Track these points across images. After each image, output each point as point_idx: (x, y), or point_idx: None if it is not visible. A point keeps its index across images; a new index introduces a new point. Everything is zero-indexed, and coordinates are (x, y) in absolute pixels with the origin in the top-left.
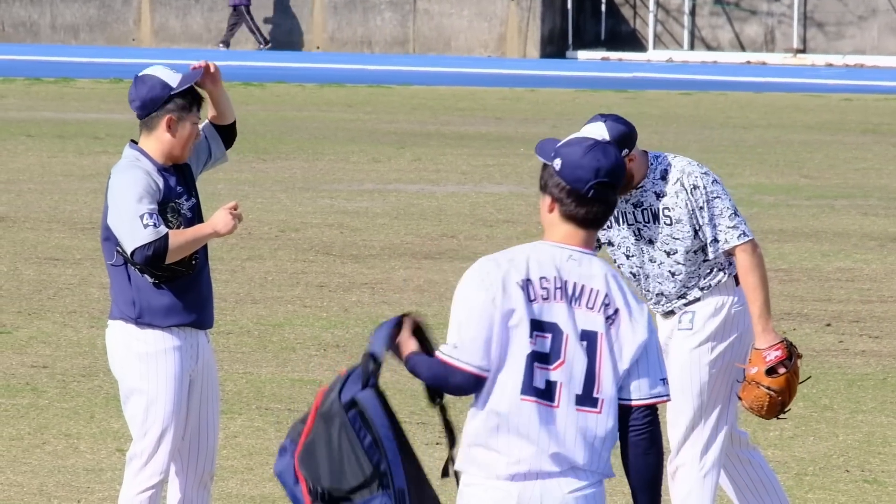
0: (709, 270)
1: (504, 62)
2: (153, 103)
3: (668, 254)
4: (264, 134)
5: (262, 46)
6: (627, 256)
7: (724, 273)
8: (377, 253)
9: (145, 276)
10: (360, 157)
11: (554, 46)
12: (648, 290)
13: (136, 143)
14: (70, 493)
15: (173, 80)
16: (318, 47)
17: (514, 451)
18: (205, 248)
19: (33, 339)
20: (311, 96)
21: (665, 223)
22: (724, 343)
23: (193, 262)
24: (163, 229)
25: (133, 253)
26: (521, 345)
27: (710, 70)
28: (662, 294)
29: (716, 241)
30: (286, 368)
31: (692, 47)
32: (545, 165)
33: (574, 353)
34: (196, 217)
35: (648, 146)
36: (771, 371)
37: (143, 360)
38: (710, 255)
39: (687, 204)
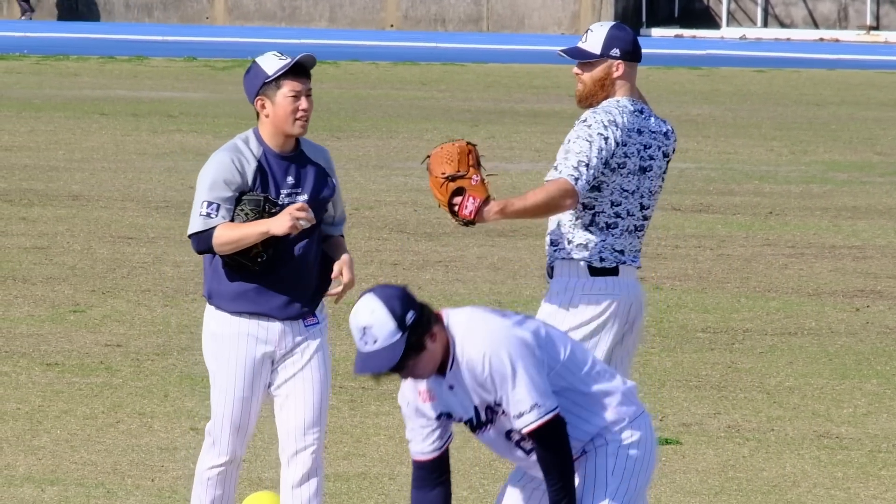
0: (569, 225)
1: (578, 40)
2: (252, 90)
3: (555, 167)
4: (338, 112)
5: (26, 16)
6: None
7: (577, 249)
8: (451, 231)
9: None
10: (433, 135)
11: (627, 24)
12: None
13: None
14: (144, 471)
15: (272, 66)
16: (391, 25)
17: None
18: (292, 241)
19: (107, 318)
20: (384, 74)
21: (562, 141)
22: (566, 323)
23: (259, 259)
24: (215, 221)
25: (190, 238)
26: None
27: (784, 47)
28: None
29: (556, 168)
30: None
31: (766, 24)
32: None
33: None
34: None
35: (722, 123)
36: (460, 190)
37: (214, 339)
38: (546, 176)
39: (573, 129)
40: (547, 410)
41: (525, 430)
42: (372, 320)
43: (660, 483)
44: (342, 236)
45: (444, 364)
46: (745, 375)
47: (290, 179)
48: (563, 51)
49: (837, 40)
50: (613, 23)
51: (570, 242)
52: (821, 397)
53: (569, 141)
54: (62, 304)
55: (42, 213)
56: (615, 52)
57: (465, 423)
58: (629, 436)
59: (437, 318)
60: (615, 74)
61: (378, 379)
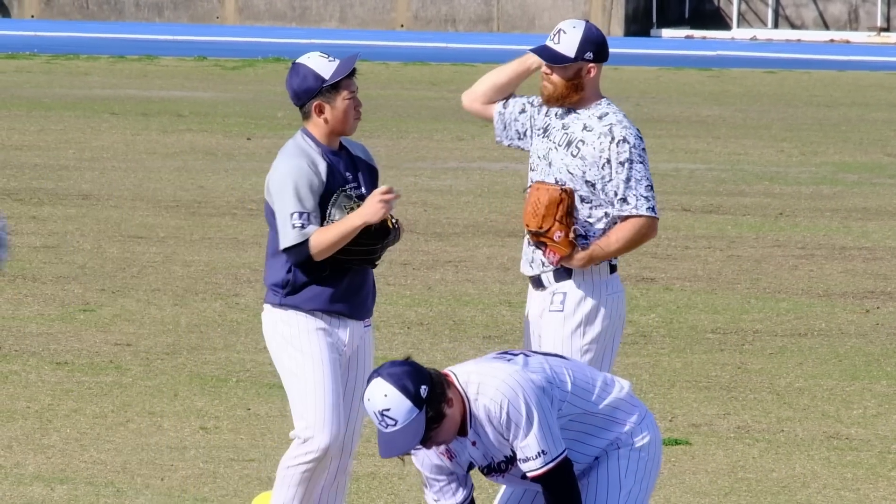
0: (584, 236)
1: None
2: (306, 94)
3: (557, 182)
4: None
5: None
6: (531, 168)
7: None
8: (461, 231)
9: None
10: (443, 136)
11: (638, 24)
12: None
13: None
14: (153, 470)
15: (327, 70)
16: (402, 25)
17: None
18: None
19: (117, 318)
20: (395, 74)
21: (572, 153)
22: (596, 328)
23: (394, 226)
24: (310, 230)
25: (285, 252)
26: None
27: (794, 48)
28: None
29: (625, 201)
30: None
31: (776, 25)
32: None
33: None
34: None
35: (732, 124)
36: (542, 242)
37: (290, 341)
38: (614, 212)
39: (603, 151)
40: (552, 458)
41: (530, 476)
42: (388, 403)
43: (669, 483)
44: None
45: (464, 422)
46: (755, 376)
47: (349, 175)
48: (533, 51)
49: (848, 42)
50: (584, 22)
51: (583, 240)
52: (831, 398)
53: (607, 160)
54: (72, 304)
55: (52, 213)
56: (588, 55)
57: (482, 468)
58: (640, 439)
59: (449, 382)
60: (588, 77)
61: (404, 458)
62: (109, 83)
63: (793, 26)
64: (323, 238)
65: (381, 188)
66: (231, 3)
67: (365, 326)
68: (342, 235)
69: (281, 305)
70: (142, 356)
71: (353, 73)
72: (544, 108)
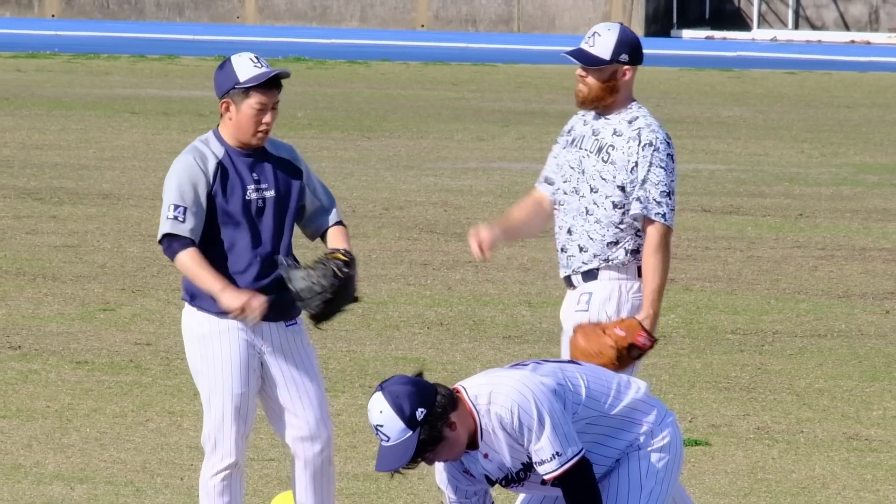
0: (615, 241)
1: None
2: (219, 89)
3: (592, 189)
4: (369, 112)
5: None
6: (564, 180)
7: (629, 255)
8: None
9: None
10: (464, 136)
11: (658, 25)
12: (560, 227)
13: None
14: (173, 470)
15: (246, 73)
16: (422, 25)
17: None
18: (289, 245)
19: (137, 317)
20: (415, 74)
21: (602, 159)
22: None
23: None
24: (184, 226)
25: (159, 242)
26: None
27: (815, 49)
28: (570, 231)
29: (639, 200)
30: (390, 346)
31: (796, 26)
32: None
33: None
34: (275, 210)
35: (752, 125)
36: (630, 347)
37: (200, 340)
38: (631, 211)
39: (631, 154)
40: (567, 458)
41: (547, 478)
42: (382, 420)
43: (689, 484)
44: (340, 223)
45: (473, 438)
46: (775, 377)
47: (255, 176)
48: (569, 53)
49: (869, 42)
50: (619, 25)
51: (615, 245)
52: (850, 399)
53: (634, 163)
54: (92, 303)
55: (72, 212)
56: (624, 57)
57: (499, 480)
58: (660, 439)
59: (455, 402)
60: (623, 79)
61: (393, 475)
62: (130, 82)
63: (813, 27)
64: (187, 265)
65: (258, 300)
66: (251, 2)
67: (287, 326)
68: (201, 282)
69: (191, 304)
70: (161, 356)
71: (275, 86)
72: (565, 132)
